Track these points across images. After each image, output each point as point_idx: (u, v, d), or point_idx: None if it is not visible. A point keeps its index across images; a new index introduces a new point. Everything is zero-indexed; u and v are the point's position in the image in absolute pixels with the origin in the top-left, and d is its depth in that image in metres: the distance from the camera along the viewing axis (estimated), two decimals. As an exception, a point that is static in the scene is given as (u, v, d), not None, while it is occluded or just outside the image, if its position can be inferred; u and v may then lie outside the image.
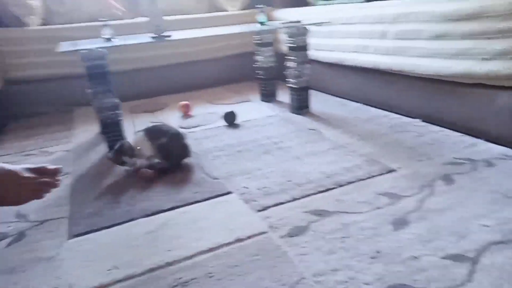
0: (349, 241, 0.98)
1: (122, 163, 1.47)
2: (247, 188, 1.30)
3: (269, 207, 1.17)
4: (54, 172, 0.97)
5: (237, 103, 2.46)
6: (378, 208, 1.11)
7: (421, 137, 1.61)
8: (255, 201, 1.21)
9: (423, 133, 1.65)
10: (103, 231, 1.13)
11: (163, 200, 1.27)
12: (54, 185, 0.95)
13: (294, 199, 1.20)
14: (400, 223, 1.04)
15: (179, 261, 0.97)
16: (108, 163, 1.61)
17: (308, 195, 1.22)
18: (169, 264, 0.96)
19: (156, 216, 1.18)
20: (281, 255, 0.95)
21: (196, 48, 2.85)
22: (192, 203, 1.24)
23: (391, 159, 1.42)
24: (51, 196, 1.37)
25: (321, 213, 1.11)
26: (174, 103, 2.54)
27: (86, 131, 2.11)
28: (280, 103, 2.36)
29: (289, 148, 1.61)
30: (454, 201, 1.12)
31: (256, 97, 2.52)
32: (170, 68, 2.83)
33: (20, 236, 1.14)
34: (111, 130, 1.71)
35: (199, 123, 2.10)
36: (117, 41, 1.74)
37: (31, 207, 1.30)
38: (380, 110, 2.03)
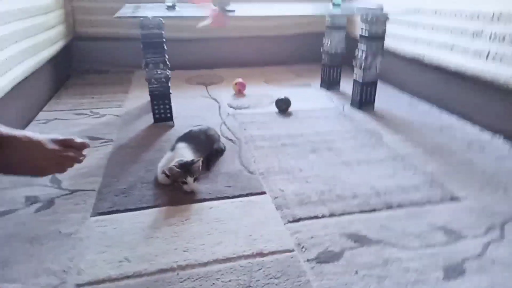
0: (387, 283, 0.83)
1: (182, 183, 1.17)
2: (282, 191, 1.18)
3: (301, 219, 1.05)
4: (80, 147, 0.92)
5: (295, 86, 2.30)
6: (430, 246, 0.94)
7: (500, 161, 1.36)
8: (288, 208, 1.09)
9: (505, 157, 1.39)
10: (127, 214, 1.09)
11: (201, 190, 1.19)
12: (78, 160, 0.90)
13: (332, 215, 1.06)
14: (453, 270, 0.86)
15: (192, 266, 0.89)
16: (150, 138, 1.57)
17: (350, 213, 1.07)
18: (181, 268, 0.89)
19: (183, 206, 1.11)
20: (303, 285, 0.83)
21: (261, 23, 2.70)
22: (222, 198, 1.15)
23: (458, 184, 1.21)
24: (89, 163, 1.38)
25: (360, 239, 0.96)
26: (231, 78, 2.44)
27: (140, 97, 2.09)
28: (342, 94, 2.16)
29: (340, 150, 1.45)
30: (529, 255, 0.91)
31: (317, 82, 2.34)
32: (231, 40, 2.72)
33: (49, 203, 1.14)
34: (158, 103, 1.67)
35: (250, 104, 1.98)
36: (178, 11, 1.65)
37: (66, 173, 1.30)
38: (455, 118, 1.76)
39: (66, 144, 0.91)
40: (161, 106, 1.67)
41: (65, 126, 1.70)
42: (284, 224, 1.03)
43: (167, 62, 1.60)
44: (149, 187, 1.22)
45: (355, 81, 1.87)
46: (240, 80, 2.19)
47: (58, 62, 2.22)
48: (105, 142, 1.54)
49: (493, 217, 1.05)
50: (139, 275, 0.87)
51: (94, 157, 1.42)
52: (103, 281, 0.86)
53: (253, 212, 1.08)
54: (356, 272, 0.86)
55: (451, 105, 1.82)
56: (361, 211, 1.08)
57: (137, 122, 1.76)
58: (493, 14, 1.50)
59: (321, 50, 2.18)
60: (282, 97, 1.88)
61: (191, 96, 2.12)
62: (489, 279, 0.84)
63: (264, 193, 1.18)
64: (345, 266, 0.88)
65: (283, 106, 1.86)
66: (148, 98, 2.02)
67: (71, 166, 0.90)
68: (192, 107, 1.95)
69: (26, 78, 1.71)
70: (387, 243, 0.95)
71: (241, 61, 2.78)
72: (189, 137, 1.33)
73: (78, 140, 0.92)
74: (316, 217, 1.05)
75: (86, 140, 0.97)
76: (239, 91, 2.18)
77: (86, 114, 1.85)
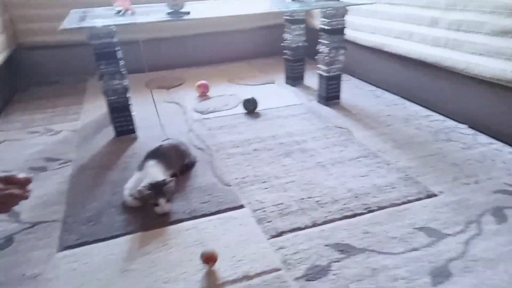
0: (377, 294, 0.82)
1: (154, 205, 1.10)
2: (262, 202, 1.14)
3: (284, 232, 1.01)
4: (24, 182, 0.84)
5: (260, 84, 2.26)
6: (415, 249, 0.94)
7: (468, 150, 1.39)
8: (269, 221, 1.06)
9: (470, 145, 1.42)
10: (97, 245, 1.01)
11: (174, 208, 1.13)
12: (23, 197, 0.82)
13: (315, 225, 1.04)
14: (440, 274, 0.86)
15: (175, 299, 0.84)
16: (113, 154, 1.47)
17: (332, 221, 1.05)
18: (163, 302, 0.83)
19: (158, 230, 1.05)
20: (294, 306, 0.80)
21: (217, 18, 2.62)
22: (198, 217, 1.10)
23: (432, 178, 1.22)
24: (48, 189, 1.27)
25: (345, 249, 0.95)
26: (192, 78, 2.36)
27: (97, 107, 1.97)
28: (307, 88, 2.15)
29: (313, 151, 1.43)
30: (506, 248, 0.93)
31: (281, 78, 2.31)
32: (190, 38, 2.63)
33: (7, 241, 1.03)
34: (118, 115, 1.57)
35: (216, 107, 1.92)
36: (128, 17, 1.54)
37: (25, 204, 1.19)
38: (419, 107, 1.80)
39: (9, 181, 0.83)
40: (122, 119, 1.57)
41: (18, 149, 1.56)
42: (268, 239, 0.99)
43: (123, 72, 1.50)
44: (118, 211, 1.14)
45: (320, 76, 1.85)
46: (203, 82, 2.12)
47: (1, 75, 2.04)
48: (64, 163, 1.43)
49: (469, 210, 1.07)
50: (118, 316, 0.80)
51: (54, 181, 1.32)
52: (78, 328, 0.78)
53: (233, 230, 1.04)
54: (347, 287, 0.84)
55: (414, 94, 1.85)
56: (343, 217, 1.06)
57: (96, 137, 1.65)
58: (449, 2, 1.52)
59: (284, 44, 2.14)
60: (249, 97, 1.83)
61: (152, 103, 2.02)
62: (475, 279, 0.85)
63: (242, 206, 1.13)
64: (334, 281, 0.86)
65: (250, 107, 1.82)
66: (106, 108, 1.92)
67: (16, 204, 0.83)
68: (155, 115, 1.86)
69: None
70: (372, 250, 0.94)
71: (202, 59, 2.70)
72: (158, 154, 1.25)
73: (21, 175, 0.85)
74: (298, 228, 1.02)
75: (30, 174, 0.89)
76: (203, 93, 2.10)
77: (39, 132, 1.72)
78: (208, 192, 1.21)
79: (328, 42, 1.74)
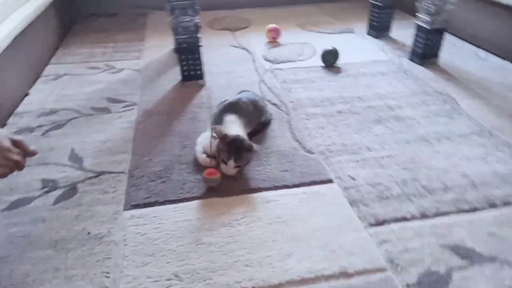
0: (517, 322, 0.65)
1: (222, 161, 0.95)
2: (353, 179, 0.96)
3: (386, 221, 0.84)
4: (30, 154, 0.73)
5: (336, 33, 1.98)
6: (561, 266, 0.74)
7: None
8: (365, 205, 0.88)
9: None
10: (168, 207, 0.89)
11: (242, 173, 0.98)
12: (21, 167, 0.71)
13: (424, 216, 0.85)
14: None
15: (260, 289, 0.70)
16: (179, 101, 1.33)
17: (445, 214, 0.86)
18: (246, 291, 0.70)
19: (234, 198, 0.91)
20: (409, 323, 0.65)
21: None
22: (280, 187, 0.94)
23: None
24: (113, 134, 1.16)
25: (467, 255, 0.76)
26: (259, 20, 2.13)
27: (159, 46, 1.81)
28: (393, 42, 1.86)
29: (411, 120, 1.20)
30: None
31: (361, 27, 2.01)
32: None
33: (70, 191, 0.94)
34: (187, 58, 1.40)
35: (289, 56, 1.70)
36: None
37: (89, 148, 1.09)
38: (537, 77, 1.48)
39: (17, 146, 0.72)
40: (190, 62, 1.40)
41: (79, 84, 1.45)
42: (365, 227, 0.83)
43: (197, 7, 1.31)
44: (189, 169, 1.01)
45: (418, 28, 1.56)
46: (274, 26, 1.88)
47: (61, 4, 1.90)
48: (128, 106, 1.31)
49: None
50: (194, 300, 0.69)
51: (118, 126, 1.20)
52: (150, 307, 0.68)
53: (322, 209, 0.87)
54: (474, 305, 0.67)
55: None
56: (459, 211, 0.86)
57: (161, 79, 1.50)
58: None
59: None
60: (330, 48, 1.59)
61: (218, 46, 1.83)
62: None
63: (330, 181, 0.96)
64: (458, 296, 0.69)
65: (331, 59, 1.58)
66: (169, 47, 1.76)
67: (12, 172, 0.71)
68: (222, 60, 1.67)
69: (27, 26, 1.42)
70: (503, 260, 0.75)
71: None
72: (237, 108, 1.08)
73: (30, 147, 0.73)
74: (404, 218, 0.85)
75: (36, 149, 0.76)
76: (273, 39, 1.88)
77: (100, 68, 1.59)
78: (289, 158, 1.04)
79: (438, -14, 1.43)
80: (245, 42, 1.88)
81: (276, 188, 0.94)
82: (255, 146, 0.95)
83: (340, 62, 1.60)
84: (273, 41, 1.88)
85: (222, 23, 2.15)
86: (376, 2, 1.84)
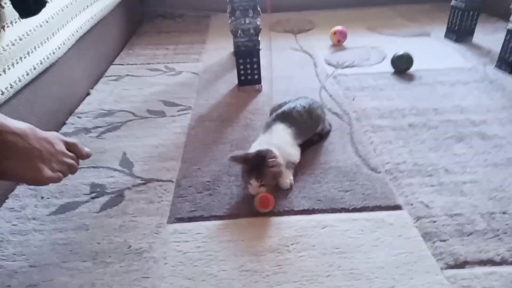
0: None
1: (245, 181, 0.88)
2: (428, 207, 0.82)
3: (468, 263, 0.69)
4: (83, 157, 0.67)
5: (411, 36, 1.80)
6: None
7: None
8: (442, 239, 0.74)
9: None
10: (213, 223, 0.82)
11: (295, 191, 0.89)
12: (75, 170, 0.65)
13: (518, 262, 0.69)
14: None
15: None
16: (234, 107, 1.26)
17: (547, 260, 0.69)
18: (293, 334, 0.60)
19: (284, 219, 0.82)
20: None
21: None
22: (337, 211, 0.83)
23: None
24: (165, 139, 1.12)
25: None
26: (323, 23, 2.00)
27: (219, 49, 1.77)
28: (477, 47, 1.64)
29: (500, 139, 1.02)
30: None
31: (440, 31, 1.81)
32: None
33: (117, 198, 0.91)
34: (245, 61, 1.33)
35: (354, 61, 1.57)
36: None
37: (140, 153, 1.06)
38: None
39: (71, 149, 0.67)
40: (248, 66, 1.33)
41: (138, 85, 1.45)
42: (441, 269, 0.69)
43: (259, 8, 1.23)
44: (237, 182, 0.93)
45: (509, 32, 1.35)
46: (340, 28, 1.75)
47: (130, 5, 1.94)
48: (183, 110, 1.27)
49: None
50: (233, 338, 0.60)
51: (171, 130, 1.16)
52: None
53: (388, 242, 0.75)
54: None
55: None
56: None
57: (218, 83, 1.45)
58: None
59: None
60: (401, 52, 1.43)
61: (278, 49, 1.75)
62: None
63: (399, 207, 0.83)
64: None
65: (403, 65, 1.42)
66: (229, 49, 1.71)
67: (66, 176, 0.66)
68: (281, 64, 1.59)
69: (95, 24, 1.45)
70: None
71: (334, 1, 2.28)
72: (289, 117, 0.99)
73: (84, 149, 0.67)
74: (491, 262, 0.69)
75: (90, 151, 0.70)
76: (339, 42, 1.75)
77: (160, 70, 1.59)
78: (350, 176, 0.93)
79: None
80: (308, 45, 1.77)
81: (333, 211, 0.83)
82: (279, 159, 0.85)
83: (413, 68, 1.44)
84: (338, 44, 1.75)
85: (285, 26, 2.06)
86: (458, 3, 1.64)
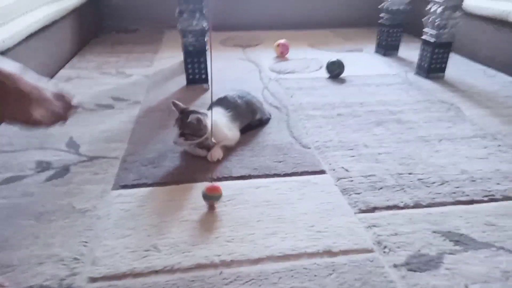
0: (512, 307, 0.59)
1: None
2: (347, 171, 0.94)
3: (377, 208, 0.81)
4: (71, 108, 0.70)
5: (345, 51, 2.01)
6: None
7: None
8: (357, 193, 0.86)
9: None
10: (156, 189, 0.88)
11: (235, 162, 0.97)
12: (64, 118, 0.68)
13: (418, 206, 0.82)
14: None
15: (239, 263, 0.68)
16: (182, 101, 1.34)
17: (441, 204, 0.82)
18: (225, 264, 0.68)
19: (224, 183, 0.89)
20: (393, 301, 0.60)
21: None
22: (271, 176, 0.93)
23: None
24: (112, 126, 1.18)
25: (462, 241, 0.72)
26: (270, 40, 2.17)
27: (171, 57, 1.87)
28: (402, 60, 1.86)
29: (412, 123, 1.18)
30: None
31: (370, 47, 2.04)
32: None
33: (63, 171, 0.95)
34: (193, 60, 1.43)
35: (295, 68, 1.72)
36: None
37: (87, 137, 1.11)
38: (547, 92, 1.45)
39: (59, 98, 0.70)
40: (196, 65, 1.44)
41: (88, 85, 1.50)
42: (355, 213, 0.80)
43: (204, 12, 1.36)
44: (183, 157, 1.01)
45: (424, 42, 1.57)
46: (283, 41, 1.92)
47: (84, 15, 2.01)
48: (131, 103, 1.34)
49: None
50: (170, 270, 0.66)
51: (119, 119, 1.22)
52: (124, 275, 0.66)
53: (312, 196, 0.85)
54: (466, 287, 0.62)
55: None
56: (456, 202, 0.82)
57: (167, 83, 1.54)
58: None
59: (382, 5, 1.87)
60: (334, 59, 1.60)
61: (227, 58, 1.88)
62: None
63: (323, 172, 0.94)
64: (448, 278, 0.64)
65: (336, 70, 1.59)
66: (180, 59, 1.81)
67: (54, 124, 0.67)
68: (229, 70, 1.71)
69: (46, 26, 1.50)
70: (501, 247, 0.70)
71: (281, 22, 2.49)
72: (228, 102, 1.10)
73: (73, 100, 0.71)
74: (396, 206, 0.81)
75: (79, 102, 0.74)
76: (282, 54, 1.91)
77: (111, 74, 1.65)
78: (284, 151, 1.03)
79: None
80: (254, 56, 1.92)
81: (267, 176, 0.93)
82: (199, 115, 0.97)
83: (345, 74, 1.61)
84: (281, 56, 1.91)
85: (235, 41, 2.22)
86: (384, 22, 1.88)
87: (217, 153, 0.99)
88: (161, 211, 0.81)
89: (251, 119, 1.16)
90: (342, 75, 1.61)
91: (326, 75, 1.62)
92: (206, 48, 1.41)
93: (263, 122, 1.19)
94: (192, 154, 1.01)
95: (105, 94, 1.42)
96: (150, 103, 1.35)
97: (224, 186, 0.88)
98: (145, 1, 2.35)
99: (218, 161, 0.98)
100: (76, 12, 1.86)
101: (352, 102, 1.35)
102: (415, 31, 2.16)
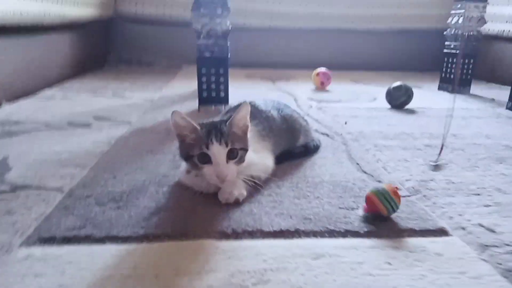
0: None
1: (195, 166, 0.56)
2: (493, 232, 0.47)
3: None
4: None
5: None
6: None
7: None
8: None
9: None
10: (109, 248, 0.44)
11: (268, 207, 0.52)
12: None
13: None
14: None
15: None
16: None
17: None
18: None
19: (246, 242, 0.44)
20: None
21: (347, 10, 2.06)
22: (340, 234, 0.46)
23: None
24: (74, 147, 0.76)
25: None
26: (304, 77, 1.78)
27: (186, 86, 1.48)
28: (478, 97, 1.43)
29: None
30: None
31: (431, 85, 1.62)
32: (304, 33, 2.09)
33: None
34: (208, 72, 1.04)
35: (342, 99, 1.32)
36: None
37: (29, 159, 0.69)
38: None
39: None
40: (212, 78, 1.04)
41: (71, 105, 1.12)
42: None
43: (228, 5, 1.00)
44: (173, 194, 0.57)
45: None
46: (323, 69, 1.54)
47: (88, 35, 1.70)
48: (117, 124, 0.93)
49: None
50: None
51: (90, 140, 0.82)
52: None
53: (440, 285, 0.38)
54: None
55: None
56: None
57: (174, 106, 1.14)
58: None
59: (446, 33, 1.49)
60: (399, 83, 1.19)
61: (253, 87, 1.50)
62: None
63: (445, 232, 0.48)
64: None
65: (401, 97, 1.17)
66: (194, 86, 1.44)
67: None
68: (255, 96, 1.31)
69: (32, 27, 1.17)
70: None
71: (320, 61, 2.12)
72: (252, 111, 0.64)
73: None
74: None
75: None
76: (322, 84, 1.52)
77: (106, 96, 1.28)
78: (353, 192, 0.58)
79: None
80: (287, 88, 1.53)
81: (331, 234, 0.46)
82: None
83: (411, 106, 1.19)
84: (321, 87, 1.52)
85: (262, 75, 1.85)
86: (450, 50, 1.48)
87: (236, 189, 0.54)
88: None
89: (291, 143, 0.72)
90: (408, 105, 1.19)
91: (387, 105, 1.20)
92: (229, 56, 1.03)
93: (309, 150, 0.75)
94: (195, 189, 0.57)
95: (87, 113, 1.03)
96: (143, 124, 0.94)
97: (248, 251, 0.43)
98: (163, 31, 2.05)
99: (238, 203, 0.53)
100: (77, 28, 1.55)
101: (439, 133, 0.90)
102: (484, 73, 1.77)
